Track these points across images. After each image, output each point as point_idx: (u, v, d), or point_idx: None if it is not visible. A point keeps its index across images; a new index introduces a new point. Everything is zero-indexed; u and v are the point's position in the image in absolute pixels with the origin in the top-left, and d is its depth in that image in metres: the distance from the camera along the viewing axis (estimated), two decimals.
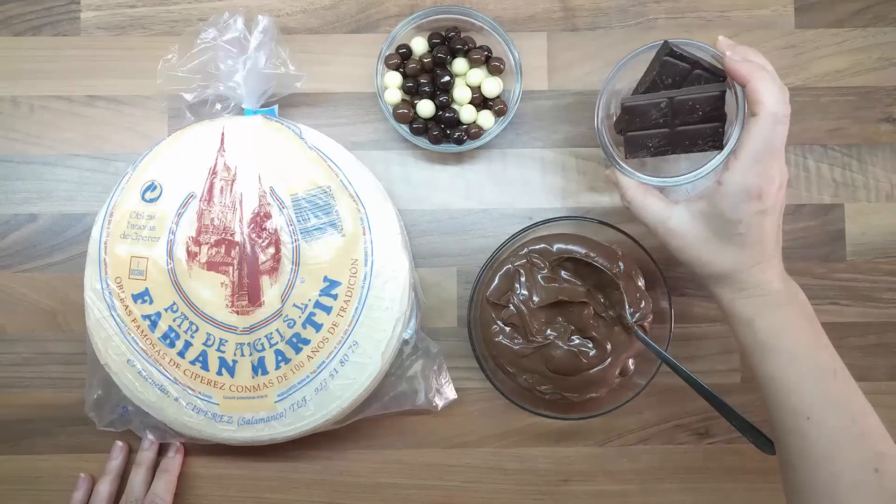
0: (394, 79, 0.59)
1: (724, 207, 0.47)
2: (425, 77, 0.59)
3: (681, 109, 0.50)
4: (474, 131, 0.58)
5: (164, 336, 0.55)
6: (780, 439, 0.47)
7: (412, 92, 0.59)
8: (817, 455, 0.44)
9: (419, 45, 0.59)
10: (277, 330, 0.55)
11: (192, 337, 0.55)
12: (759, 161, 0.45)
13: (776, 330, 0.47)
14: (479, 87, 0.59)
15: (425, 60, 0.59)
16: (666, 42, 0.49)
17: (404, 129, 0.59)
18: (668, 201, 0.51)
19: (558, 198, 0.62)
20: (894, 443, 0.45)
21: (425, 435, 0.61)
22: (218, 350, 0.55)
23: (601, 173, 0.61)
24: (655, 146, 0.52)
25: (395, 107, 0.59)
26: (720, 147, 0.51)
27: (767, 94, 0.45)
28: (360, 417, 0.58)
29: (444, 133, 0.59)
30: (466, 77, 0.59)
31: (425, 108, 0.58)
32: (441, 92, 0.59)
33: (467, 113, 0.58)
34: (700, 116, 0.50)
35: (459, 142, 0.59)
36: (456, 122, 0.59)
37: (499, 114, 0.59)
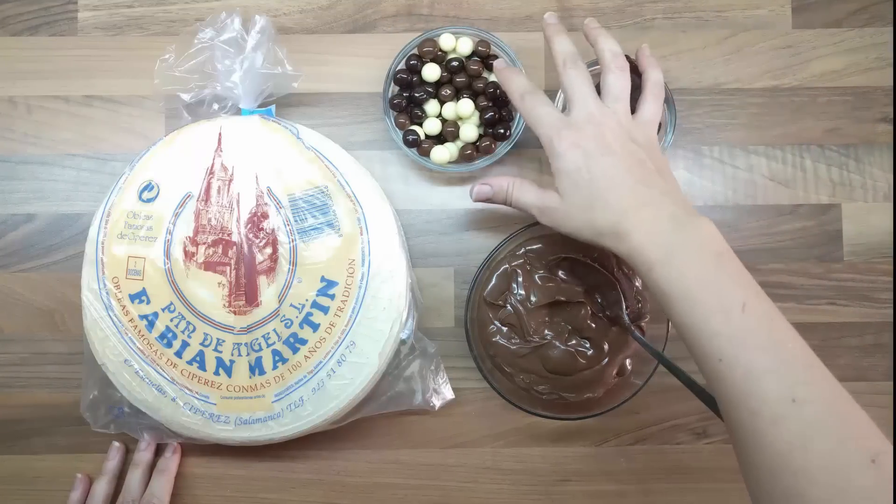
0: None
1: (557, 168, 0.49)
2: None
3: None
4: (485, 144, 0.59)
5: (162, 336, 0.55)
6: (711, 389, 0.44)
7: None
8: (735, 396, 0.41)
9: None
10: (274, 330, 0.55)
11: (189, 337, 0.55)
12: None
13: (676, 274, 0.44)
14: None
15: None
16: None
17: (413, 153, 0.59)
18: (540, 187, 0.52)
19: None
20: (812, 367, 0.41)
21: (422, 435, 0.61)
22: (215, 350, 0.55)
23: None
24: None
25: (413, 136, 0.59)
26: None
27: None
28: (358, 417, 0.58)
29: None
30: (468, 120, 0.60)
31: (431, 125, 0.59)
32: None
33: (472, 133, 0.59)
34: None
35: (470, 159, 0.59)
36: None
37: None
